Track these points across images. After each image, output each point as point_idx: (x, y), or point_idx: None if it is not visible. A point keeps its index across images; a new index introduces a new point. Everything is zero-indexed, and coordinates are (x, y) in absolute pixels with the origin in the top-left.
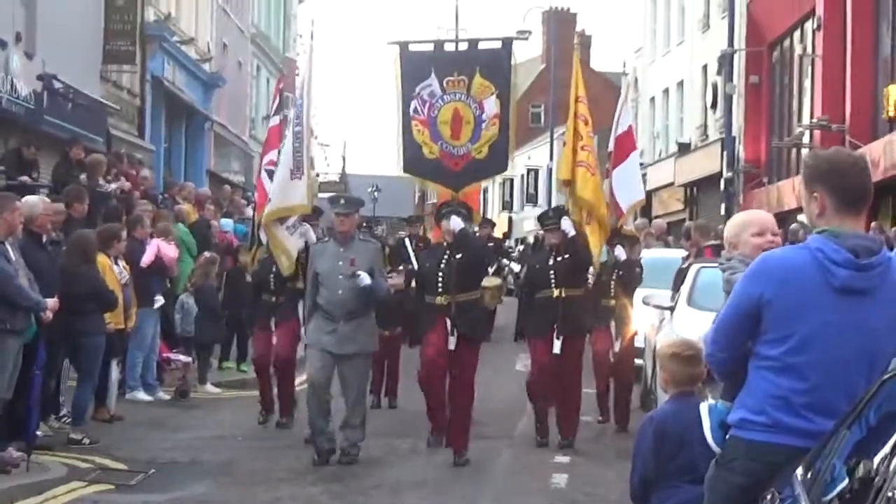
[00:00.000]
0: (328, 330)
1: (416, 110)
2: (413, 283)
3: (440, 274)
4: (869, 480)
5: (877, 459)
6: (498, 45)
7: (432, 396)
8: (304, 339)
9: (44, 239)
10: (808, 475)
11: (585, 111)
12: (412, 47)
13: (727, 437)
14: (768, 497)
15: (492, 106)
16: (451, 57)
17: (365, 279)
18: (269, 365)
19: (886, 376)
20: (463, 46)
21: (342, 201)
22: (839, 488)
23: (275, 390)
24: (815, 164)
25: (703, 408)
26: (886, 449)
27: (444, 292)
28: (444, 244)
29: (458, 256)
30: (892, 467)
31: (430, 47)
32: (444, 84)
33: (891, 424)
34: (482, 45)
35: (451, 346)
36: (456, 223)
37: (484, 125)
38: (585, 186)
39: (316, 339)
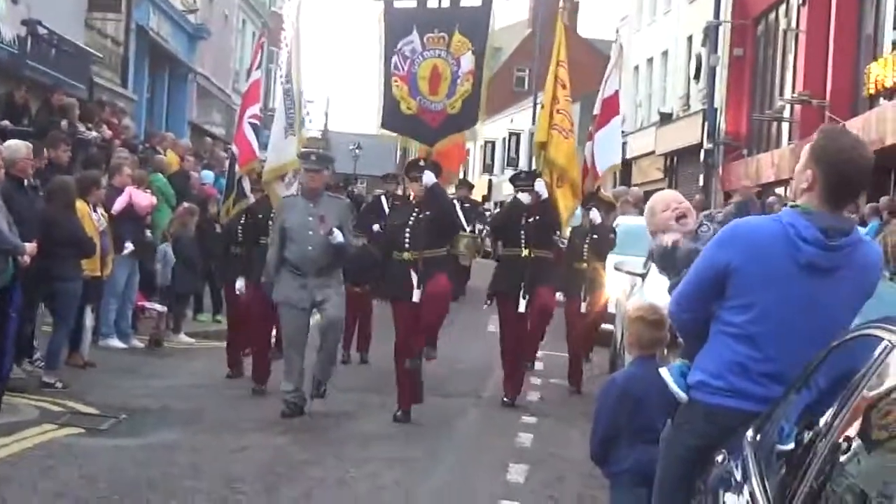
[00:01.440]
0: (297, 285)
1: (396, 66)
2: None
3: (408, 230)
4: (812, 442)
5: (822, 421)
6: (478, 2)
7: (402, 374)
8: (273, 294)
9: (25, 184)
10: (757, 437)
11: (565, 76)
12: (396, 4)
13: (686, 399)
14: (719, 458)
15: (468, 62)
16: (432, 13)
17: (338, 236)
18: (242, 327)
19: (835, 343)
20: (445, 3)
21: (313, 157)
22: (785, 449)
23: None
24: (825, 145)
25: (663, 371)
26: (830, 412)
27: (412, 248)
28: (414, 201)
29: (427, 213)
30: (834, 428)
31: (414, 4)
32: (425, 40)
33: (837, 389)
34: (463, 3)
35: (416, 299)
36: (429, 178)
37: (459, 80)
38: (558, 150)
39: (286, 295)
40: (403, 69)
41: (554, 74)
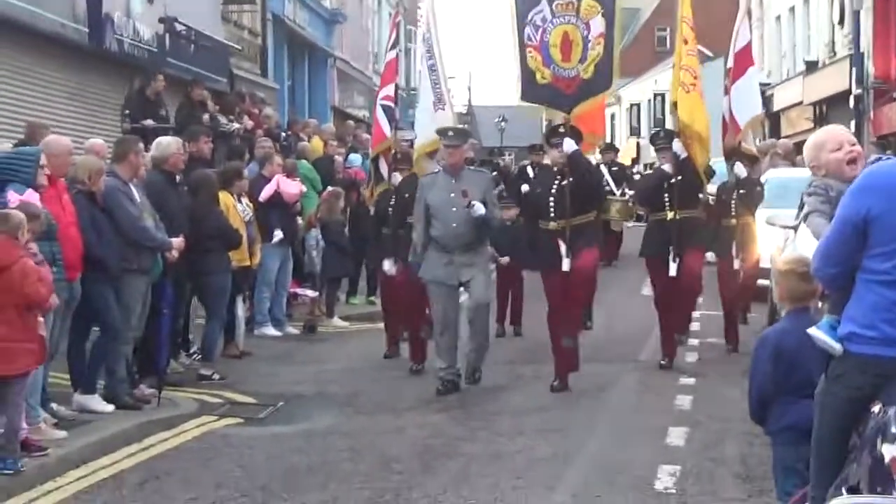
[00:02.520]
0: (444, 262)
1: (529, 37)
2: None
3: (552, 199)
4: None
5: None
6: None
7: (556, 341)
8: (420, 272)
9: (177, 179)
10: None
11: (688, 31)
12: None
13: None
14: (875, 409)
15: (598, 25)
16: None
17: (479, 209)
18: (395, 307)
19: None
20: None
21: (450, 133)
22: None
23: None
24: None
25: (812, 330)
26: None
27: (557, 217)
28: (556, 168)
29: (571, 180)
30: None
31: None
32: (554, 7)
33: None
34: None
35: (566, 268)
36: (569, 145)
37: (590, 45)
38: (683, 106)
39: (433, 273)
40: (536, 39)
41: (680, 32)
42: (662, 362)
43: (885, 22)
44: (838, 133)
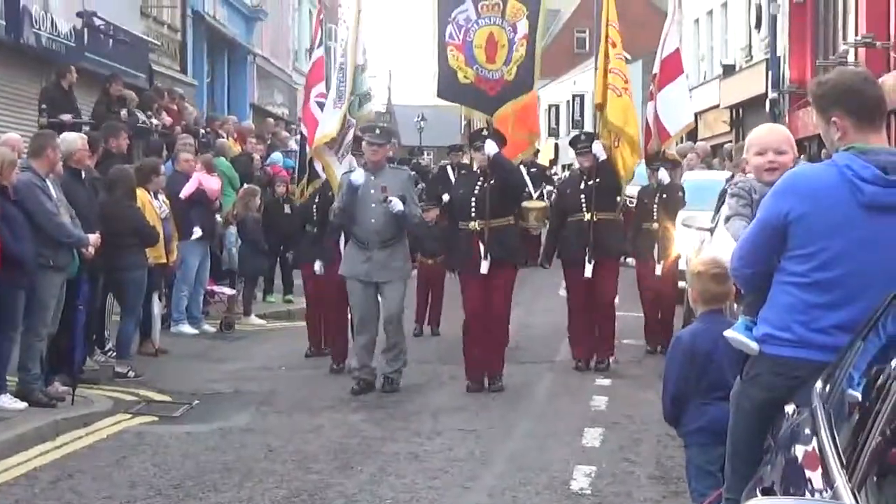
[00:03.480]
0: (362, 259)
1: (451, 35)
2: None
3: (474, 199)
4: (883, 388)
5: (894, 364)
6: None
7: (470, 346)
8: (340, 269)
9: (83, 175)
10: (826, 388)
11: (615, 35)
12: None
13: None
14: (789, 410)
15: (523, 27)
16: None
17: (397, 205)
18: (319, 308)
19: None
20: None
21: (376, 131)
22: (855, 397)
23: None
24: (824, 90)
25: (728, 332)
26: None
27: (478, 217)
28: (478, 170)
29: (492, 182)
30: None
31: None
32: (480, 8)
33: None
34: None
35: (484, 271)
36: (490, 147)
37: (515, 46)
38: (613, 109)
39: (351, 269)
40: (458, 38)
41: (605, 35)
42: (579, 364)
43: (801, 27)
44: (769, 139)
